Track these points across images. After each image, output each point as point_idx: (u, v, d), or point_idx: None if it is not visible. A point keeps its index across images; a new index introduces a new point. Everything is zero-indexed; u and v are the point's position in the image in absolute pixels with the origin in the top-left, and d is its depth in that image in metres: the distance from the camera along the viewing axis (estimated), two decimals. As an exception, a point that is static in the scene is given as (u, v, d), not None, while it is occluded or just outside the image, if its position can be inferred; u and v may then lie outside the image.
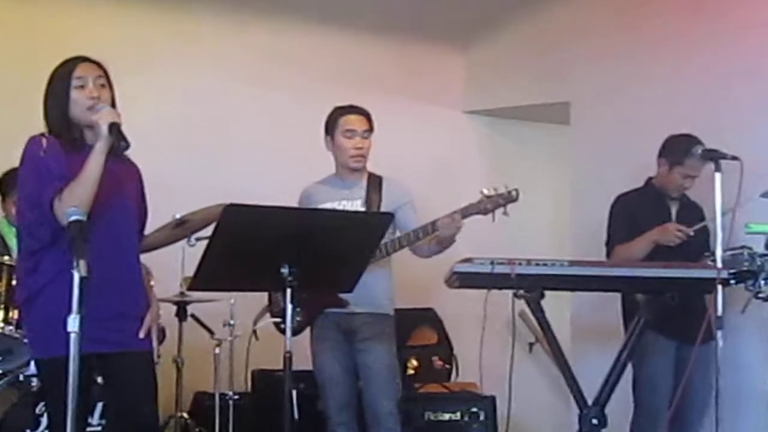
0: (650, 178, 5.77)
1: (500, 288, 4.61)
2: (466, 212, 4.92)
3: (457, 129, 7.92)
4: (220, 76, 6.89)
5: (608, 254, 5.64)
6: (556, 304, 6.30)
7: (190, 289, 5.21)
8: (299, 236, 3.99)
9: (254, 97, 6.97)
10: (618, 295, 5.60)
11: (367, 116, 5.31)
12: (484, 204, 4.90)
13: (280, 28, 7.15)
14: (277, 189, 5.85)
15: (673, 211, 5.71)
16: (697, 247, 5.41)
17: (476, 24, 7.70)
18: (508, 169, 7.58)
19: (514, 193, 4.90)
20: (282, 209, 4.09)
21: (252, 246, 3.94)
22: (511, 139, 8.11)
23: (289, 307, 4.04)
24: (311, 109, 5.57)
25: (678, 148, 5.64)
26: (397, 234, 5.16)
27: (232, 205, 3.87)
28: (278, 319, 5.19)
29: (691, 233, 5.40)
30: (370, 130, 5.31)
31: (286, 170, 6.60)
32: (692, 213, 5.69)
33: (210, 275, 3.97)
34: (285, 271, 4.01)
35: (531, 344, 7.44)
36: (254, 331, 5.66)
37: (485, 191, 4.90)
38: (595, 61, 7.07)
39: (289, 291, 4.02)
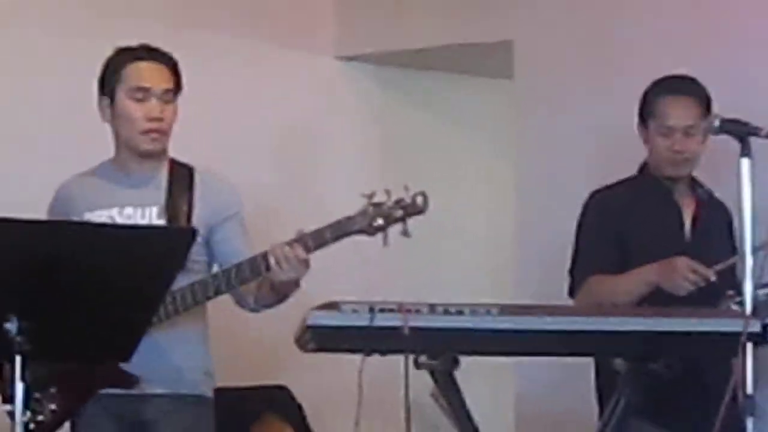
0: (645, 163, 5.80)
1: (384, 352, 4.69)
2: (323, 238, 4.93)
3: (325, 85, 7.99)
4: None
5: (572, 290, 5.69)
6: (492, 376, 6.38)
7: None
8: (37, 269, 4.00)
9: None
10: (589, 363, 5.66)
11: (170, 66, 5.29)
12: (368, 217, 4.91)
13: None
14: (20, 185, 5.76)
15: (687, 215, 5.74)
16: (725, 280, 5.42)
17: None
18: (407, 146, 7.78)
19: (419, 199, 4.92)
20: (3, 224, 4.02)
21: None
22: (414, 101, 8.22)
23: (20, 386, 4.04)
24: (87, 57, 5.53)
25: (650, 94, 5.72)
26: (214, 268, 5.18)
27: None
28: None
29: (713, 278, 5.38)
30: (176, 89, 5.29)
31: (36, 155, 6.56)
32: (717, 220, 5.75)
33: None
34: (11, 327, 4.01)
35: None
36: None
37: (370, 195, 4.92)
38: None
39: (18, 360, 4.00)
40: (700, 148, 5.64)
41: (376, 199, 4.91)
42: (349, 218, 4.93)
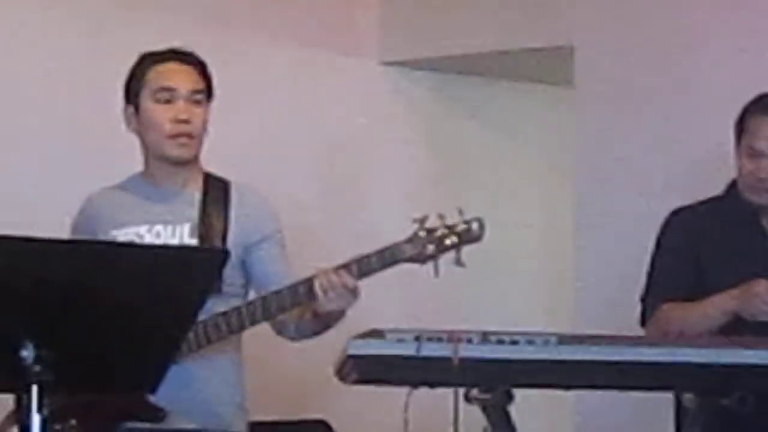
0: (734, 181, 5.76)
1: (432, 385, 4.70)
2: (370, 265, 4.93)
3: (370, 91, 8.03)
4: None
5: (643, 318, 5.68)
6: (549, 412, 6.38)
7: None
8: (56, 293, 3.99)
9: (16, 43, 6.93)
10: (660, 398, 5.62)
11: (200, 68, 5.32)
12: (420, 245, 4.92)
13: None
14: (46, 197, 5.80)
15: None
16: None
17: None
18: (459, 158, 7.80)
19: (475, 226, 4.94)
20: (18, 242, 4.02)
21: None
22: (464, 107, 8.25)
23: (36, 418, 4.04)
24: (113, 59, 5.62)
25: (743, 113, 5.66)
26: (251, 294, 5.19)
27: None
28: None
29: None
30: (207, 92, 5.31)
31: (64, 166, 6.61)
32: None
33: None
34: (27, 354, 3.99)
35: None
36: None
37: (422, 220, 4.92)
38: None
39: (35, 390, 4.00)
40: None
41: (428, 225, 4.91)
42: (398, 245, 4.93)
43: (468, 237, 4.92)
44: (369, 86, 8.01)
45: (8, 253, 4.00)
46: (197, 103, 5.24)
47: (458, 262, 4.91)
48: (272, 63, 7.45)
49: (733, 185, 5.73)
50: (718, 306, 5.46)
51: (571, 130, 7.39)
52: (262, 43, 7.44)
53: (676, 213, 5.77)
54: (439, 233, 4.90)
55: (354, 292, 4.93)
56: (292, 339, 5.25)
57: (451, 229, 4.90)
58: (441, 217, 4.90)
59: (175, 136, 5.21)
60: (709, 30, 6.78)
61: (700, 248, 5.63)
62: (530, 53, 7.57)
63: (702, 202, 5.79)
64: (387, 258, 4.92)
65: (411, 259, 4.93)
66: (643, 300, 5.70)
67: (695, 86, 6.52)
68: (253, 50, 7.28)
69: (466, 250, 4.94)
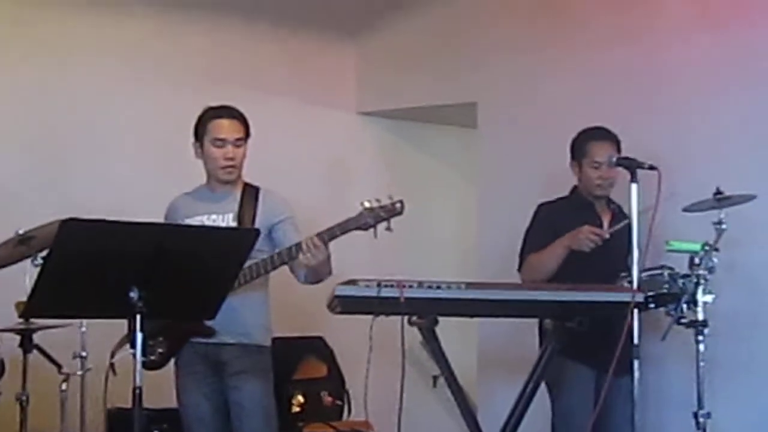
0: (575, 186, 5.74)
1: (388, 314, 4.62)
2: (333, 233, 4.87)
3: (350, 133, 7.96)
4: (69, 71, 6.75)
5: (520, 265, 5.62)
6: (462, 331, 6.38)
7: (22, 316, 5.16)
8: (151, 255, 3.98)
9: (114, 95, 6.87)
10: (532, 321, 5.57)
11: (241, 120, 5.26)
12: (363, 218, 4.86)
13: (144, 15, 7.06)
14: (144, 200, 5.80)
15: (605, 222, 5.66)
16: (619, 264, 5.34)
17: (368, 12, 7.70)
18: (408, 177, 7.67)
19: (398, 205, 4.86)
20: (129, 224, 4.04)
21: (95, 266, 3.93)
22: (412, 143, 8.18)
23: (139, 336, 4.04)
24: (183, 110, 5.52)
25: (579, 141, 5.67)
26: None
27: (70, 219, 3.85)
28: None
29: (607, 236, 5.35)
30: (245, 137, 5.26)
31: (153, 180, 6.56)
32: (622, 227, 5.61)
33: (45, 300, 3.96)
34: (134, 295, 4.01)
35: (435, 378, 7.42)
36: (112, 365, 5.52)
37: (366, 203, 4.87)
38: (506, 56, 7.09)
39: (138, 318, 4.00)
40: (611, 181, 5.60)
41: (367, 205, 4.85)
42: (350, 219, 4.86)
43: (393, 211, 4.83)
44: (349, 129, 7.96)
45: (125, 232, 4.02)
46: (238, 146, 5.21)
47: (388, 228, 4.83)
48: (283, 113, 7.37)
49: (574, 188, 5.73)
50: (559, 244, 5.41)
51: (476, 154, 7.34)
52: (278, 99, 7.39)
53: (542, 204, 5.73)
54: (374, 210, 4.83)
55: (322, 251, 4.86)
56: (303, 283, 5.17)
57: (382, 207, 4.83)
58: (377, 200, 4.85)
59: (224, 167, 5.21)
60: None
61: (556, 224, 5.55)
62: (451, 107, 7.54)
63: (557, 198, 5.76)
64: (343, 227, 4.85)
65: (358, 227, 4.84)
66: (519, 255, 5.63)
67: (555, 128, 6.37)
68: (272, 104, 7.22)
69: (411, 228, 4.97)
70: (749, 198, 5.33)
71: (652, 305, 5.18)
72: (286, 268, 5.11)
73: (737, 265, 5.65)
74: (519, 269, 5.61)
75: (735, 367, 5.76)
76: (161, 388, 5.15)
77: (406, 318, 4.73)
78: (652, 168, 4.99)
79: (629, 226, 4.98)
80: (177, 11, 7.12)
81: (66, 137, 6.73)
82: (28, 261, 5.12)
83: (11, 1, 6.64)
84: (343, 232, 4.87)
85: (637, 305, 4.80)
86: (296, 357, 6.77)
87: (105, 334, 5.30)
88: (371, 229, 4.86)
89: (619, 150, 5.50)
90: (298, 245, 4.90)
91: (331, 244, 4.91)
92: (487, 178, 7.20)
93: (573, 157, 5.68)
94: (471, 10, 7.31)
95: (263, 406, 5.14)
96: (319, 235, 4.87)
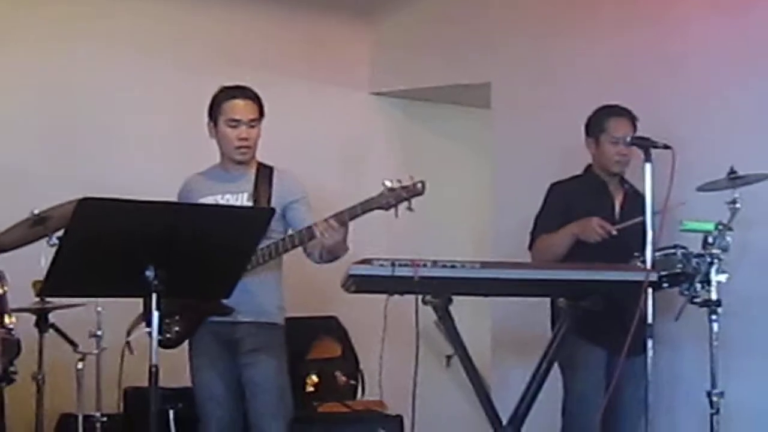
0: (589, 165, 5.73)
1: (402, 293, 4.64)
2: (355, 212, 4.88)
3: (364, 113, 7.92)
4: (84, 54, 6.72)
5: (531, 245, 5.62)
6: (476, 310, 6.39)
7: (39, 294, 5.14)
8: (166, 234, 4.00)
9: (130, 77, 6.85)
10: (545, 301, 5.58)
11: (256, 101, 5.27)
12: (385, 198, 4.86)
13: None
14: (156, 182, 5.82)
15: (617, 201, 5.65)
16: (633, 244, 5.29)
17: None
18: (422, 158, 7.62)
19: (419, 185, 4.87)
20: (145, 204, 4.06)
21: (111, 245, 3.94)
22: (425, 124, 8.14)
23: (155, 314, 4.05)
24: (197, 92, 5.50)
25: (597, 117, 5.65)
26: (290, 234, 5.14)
27: (86, 199, 3.86)
28: (157, 330, 5.14)
29: (614, 232, 5.33)
30: (259, 117, 5.26)
31: (167, 161, 6.55)
32: (636, 205, 5.55)
33: (62, 279, 3.97)
34: (150, 274, 4.02)
35: (449, 357, 7.44)
36: (128, 343, 5.55)
37: (387, 183, 4.87)
38: (520, 37, 7.08)
39: (154, 296, 4.02)
40: (628, 157, 5.58)
41: (389, 185, 4.86)
42: (371, 198, 4.88)
43: (414, 191, 4.84)
44: (362, 109, 7.92)
45: (141, 211, 4.04)
46: (253, 126, 5.23)
47: (409, 208, 4.85)
48: (298, 93, 7.32)
49: (588, 167, 5.72)
50: (567, 231, 5.41)
51: (489, 134, 7.32)
52: (293, 80, 7.34)
53: (554, 184, 5.71)
54: (396, 190, 4.84)
55: (341, 231, 4.88)
56: (317, 263, 5.18)
57: (404, 187, 4.84)
58: (399, 180, 4.86)
59: (238, 148, 5.22)
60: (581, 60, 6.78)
61: (569, 204, 5.56)
62: (465, 87, 7.51)
63: (570, 177, 5.75)
64: (366, 206, 4.86)
65: (380, 207, 4.85)
66: (531, 234, 5.63)
67: (569, 108, 6.37)
68: (287, 85, 7.15)
69: (425, 209, 4.93)
70: (763, 177, 5.33)
71: (665, 284, 5.18)
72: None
73: (751, 244, 5.66)
74: (530, 247, 5.62)
75: (748, 347, 5.77)
76: (176, 368, 5.17)
77: (420, 297, 4.73)
78: (666, 147, 5.00)
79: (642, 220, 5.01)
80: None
81: (81, 120, 6.71)
82: (44, 241, 5.13)
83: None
84: (365, 211, 4.89)
85: (651, 284, 4.82)
86: (310, 337, 6.78)
87: (121, 313, 5.33)
88: (392, 209, 4.87)
89: (635, 128, 5.50)
90: (310, 229, 4.92)
91: (346, 225, 4.92)
92: (500, 158, 7.18)
93: (589, 133, 5.67)
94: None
95: (277, 384, 5.16)
96: (339, 214, 4.88)
